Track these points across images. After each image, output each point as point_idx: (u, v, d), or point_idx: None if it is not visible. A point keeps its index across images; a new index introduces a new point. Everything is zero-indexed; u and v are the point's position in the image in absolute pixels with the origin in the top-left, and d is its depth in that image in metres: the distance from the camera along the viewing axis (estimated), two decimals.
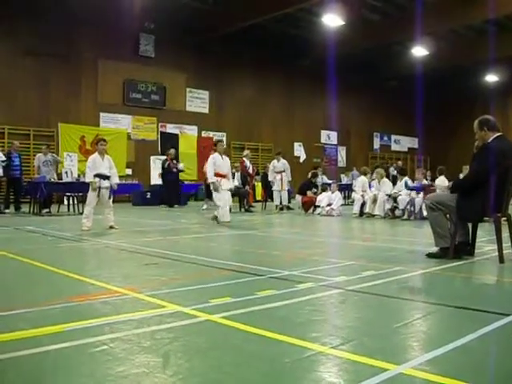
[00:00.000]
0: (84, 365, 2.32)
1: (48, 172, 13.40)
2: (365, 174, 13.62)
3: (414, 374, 2.18)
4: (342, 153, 28.54)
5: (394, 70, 27.39)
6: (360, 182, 13.26)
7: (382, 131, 30.73)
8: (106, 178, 8.87)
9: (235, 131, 23.06)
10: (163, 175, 16.71)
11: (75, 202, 13.63)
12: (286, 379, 2.19)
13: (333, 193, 13.46)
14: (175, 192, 16.49)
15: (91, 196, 8.80)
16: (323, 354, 2.45)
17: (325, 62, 21.94)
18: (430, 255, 5.52)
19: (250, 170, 15.70)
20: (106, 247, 6.69)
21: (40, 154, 13.73)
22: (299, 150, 24.95)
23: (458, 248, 5.45)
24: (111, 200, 9.06)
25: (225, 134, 22.61)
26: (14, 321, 3.04)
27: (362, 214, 12.45)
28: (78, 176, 14.41)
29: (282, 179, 14.79)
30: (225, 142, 16.86)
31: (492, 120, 5.42)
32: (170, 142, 19.87)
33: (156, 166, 18.97)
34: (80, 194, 13.12)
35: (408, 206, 11.58)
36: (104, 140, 9.32)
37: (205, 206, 15.30)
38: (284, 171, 14.97)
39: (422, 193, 11.34)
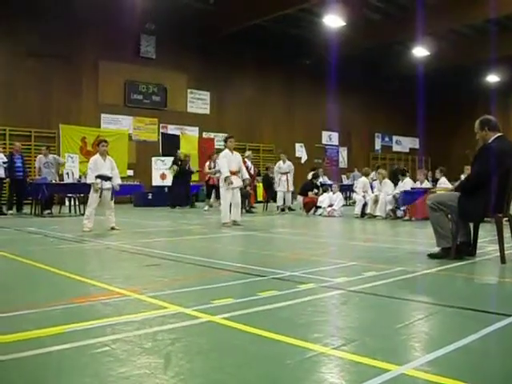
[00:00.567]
0: (86, 366, 2.32)
1: (49, 173, 13.40)
2: (366, 175, 13.61)
3: (416, 374, 2.18)
4: (343, 153, 28.54)
5: (395, 71, 27.39)
6: (361, 182, 13.25)
7: (383, 132, 30.72)
8: (108, 179, 8.88)
9: (236, 132, 22.87)
10: (183, 176, 16.73)
11: (76, 203, 13.65)
12: (288, 380, 2.19)
13: (334, 193, 13.47)
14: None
15: (93, 197, 8.80)
16: (325, 354, 2.45)
17: (326, 62, 21.99)
18: (432, 256, 5.51)
19: (252, 171, 15.70)
20: (107, 248, 6.70)
21: (40, 156, 13.73)
22: (300, 151, 24.97)
23: (459, 248, 5.44)
24: (113, 201, 9.07)
25: (226, 134, 22.56)
26: (16, 322, 3.05)
27: (363, 214, 12.44)
28: (80, 177, 14.43)
29: (287, 180, 14.83)
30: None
31: (493, 120, 5.42)
32: (171, 143, 19.90)
33: (158, 167, 18.98)
34: (81, 195, 13.15)
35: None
36: (105, 141, 9.31)
37: (206, 207, 15.31)
38: (289, 172, 15.04)
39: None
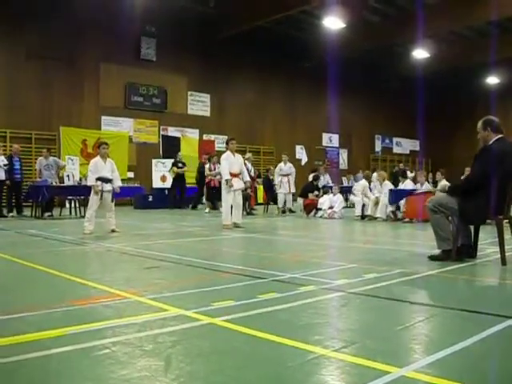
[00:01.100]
0: (86, 368, 2.32)
1: (50, 176, 13.40)
2: (367, 178, 13.61)
3: (416, 376, 2.18)
4: (343, 155, 28.55)
5: (395, 72, 27.44)
6: (361, 185, 13.25)
7: (383, 133, 30.74)
8: (109, 181, 8.88)
9: (237, 134, 22.85)
10: (203, 178, 16.72)
11: (77, 205, 13.65)
12: (289, 382, 2.19)
13: (334, 195, 13.47)
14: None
15: (93, 199, 8.80)
16: (325, 356, 2.45)
17: (326, 64, 22.00)
18: (432, 257, 5.51)
19: (252, 173, 15.71)
20: (107, 250, 6.70)
21: (41, 158, 13.73)
22: (301, 153, 24.96)
23: (460, 250, 5.44)
24: (113, 203, 9.07)
25: (226, 137, 22.58)
26: (16, 324, 3.05)
27: (363, 216, 12.44)
28: (80, 179, 14.43)
29: (288, 182, 14.86)
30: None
31: (496, 121, 5.43)
32: (171, 145, 19.92)
33: (158, 169, 19.00)
34: (82, 197, 13.15)
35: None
36: (106, 143, 9.31)
37: (207, 210, 15.32)
38: (290, 174, 15.06)
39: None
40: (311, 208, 13.88)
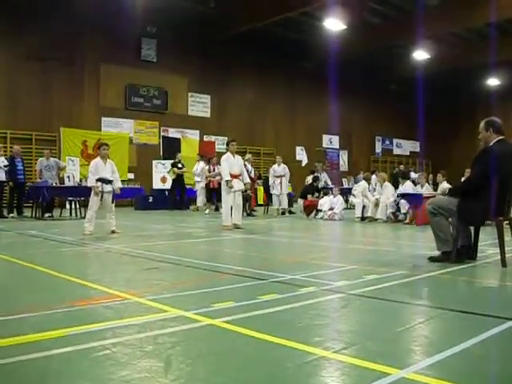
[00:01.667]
0: (86, 369, 2.32)
1: (50, 176, 13.39)
2: (367, 180, 13.61)
3: (416, 378, 2.18)
4: (343, 157, 28.55)
5: (395, 73, 27.45)
6: (361, 186, 13.25)
7: (383, 135, 30.74)
8: (109, 182, 8.88)
9: (237, 135, 22.87)
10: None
11: (77, 206, 13.65)
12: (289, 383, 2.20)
13: (335, 197, 13.46)
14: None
15: (93, 200, 8.80)
16: (326, 358, 2.45)
17: (326, 65, 21.99)
18: (432, 259, 5.51)
19: (252, 174, 15.71)
20: (107, 251, 6.70)
21: (42, 159, 13.71)
22: (301, 154, 24.96)
23: (460, 252, 5.44)
24: (113, 204, 9.07)
25: (226, 138, 22.60)
26: (16, 325, 3.05)
27: (363, 218, 12.44)
28: (80, 180, 14.43)
29: (281, 183, 14.89)
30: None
31: (498, 123, 5.44)
32: (172, 146, 19.91)
33: (158, 170, 19.02)
34: (82, 198, 13.15)
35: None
36: (106, 144, 9.32)
37: (207, 211, 15.33)
38: (284, 176, 15.07)
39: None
40: (311, 209, 13.89)
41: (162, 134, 21.03)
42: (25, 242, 7.96)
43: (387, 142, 31.18)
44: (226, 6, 19.69)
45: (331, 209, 13.14)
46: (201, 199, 16.42)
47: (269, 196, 16.54)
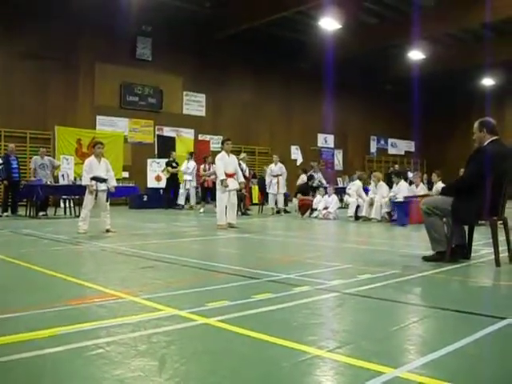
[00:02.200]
0: (80, 368, 2.32)
1: (45, 175, 13.33)
2: (361, 179, 13.63)
3: (410, 377, 2.19)
4: (338, 156, 28.57)
5: (390, 74, 27.49)
6: (356, 186, 13.26)
7: (379, 134, 30.78)
8: (103, 180, 8.86)
9: (232, 134, 22.82)
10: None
11: (71, 204, 13.61)
12: (283, 383, 2.19)
13: (329, 196, 13.48)
14: None
15: (88, 199, 8.78)
16: (320, 357, 2.45)
17: (322, 65, 22.01)
18: (427, 258, 5.53)
19: (247, 173, 15.72)
20: (102, 250, 6.68)
21: (36, 157, 13.65)
22: (296, 153, 24.97)
23: (454, 251, 5.46)
24: (108, 203, 9.05)
25: (221, 137, 22.58)
26: (10, 324, 3.04)
27: (357, 217, 12.45)
28: (75, 179, 14.39)
29: (278, 182, 14.89)
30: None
31: (492, 123, 5.46)
32: (166, 145, 19.90)
33: (153, 168, 18.99)
34: (76, 196, 13.11)
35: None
36: (101, 143, 9.28)
37: (202, 210, 15.32)
38: (281, 175, 15.07)
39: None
40: (306, 208, 13.90)
41: (156, 132, 20.99)
42: (19, 241, 7.93)
43: (382, 142, 31.22)
44: (221, 6, 19.68)
45: (326, 208, 13.16)
46: (183, 198, 16.90)
47: (265, 195, 16.54)
